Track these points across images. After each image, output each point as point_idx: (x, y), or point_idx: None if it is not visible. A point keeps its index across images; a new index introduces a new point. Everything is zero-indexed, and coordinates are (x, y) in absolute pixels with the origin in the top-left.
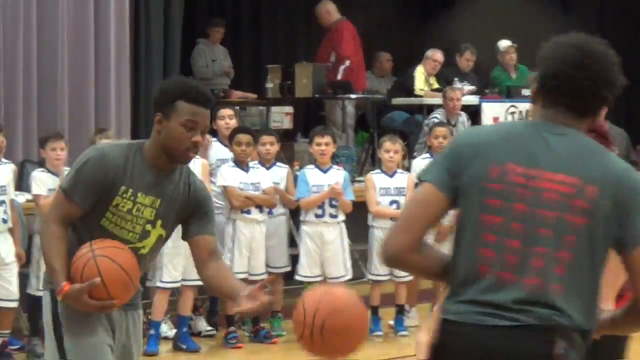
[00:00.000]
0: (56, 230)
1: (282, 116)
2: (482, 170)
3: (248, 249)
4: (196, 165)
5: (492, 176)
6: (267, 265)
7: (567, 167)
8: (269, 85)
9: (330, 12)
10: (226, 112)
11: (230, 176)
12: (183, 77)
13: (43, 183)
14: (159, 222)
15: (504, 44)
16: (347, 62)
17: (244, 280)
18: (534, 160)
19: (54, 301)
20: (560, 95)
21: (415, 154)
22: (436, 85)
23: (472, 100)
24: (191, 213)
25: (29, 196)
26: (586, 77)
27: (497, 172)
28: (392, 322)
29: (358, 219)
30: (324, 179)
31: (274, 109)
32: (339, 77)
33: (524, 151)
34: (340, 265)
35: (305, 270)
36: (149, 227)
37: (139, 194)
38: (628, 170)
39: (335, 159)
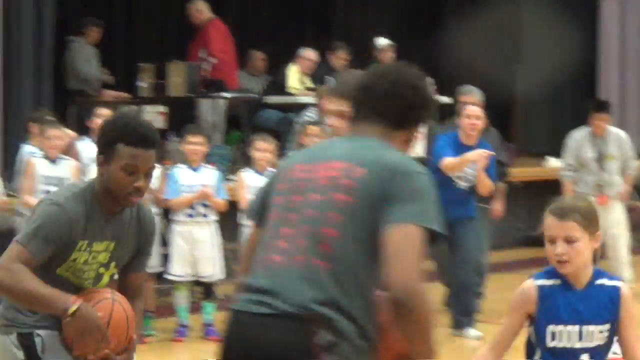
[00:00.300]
0: (19, 267)
1: (155, 115)
2: (275, 177)
3: None
4: (67, 168)
5: (280, 178)
6: None
7: (343, 157)
8: (142, 84)
9: (200, 10)
10: (103, 111)
11: None
12: (125, 116)
13: None
14: (113, 264)
15: (381, 42)
16: (216, 60)
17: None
18: (317, 158)
19: (27, 346)
20: (367, 105)
21: (287, 152)
22: (310, 84)
23: None
24: (138, 248)
25: None
26: (388, 81)
27: (284, 174)
28: None
29: (231, 217)
30: (196, 178)
31: (147, 108)
32: (208, 75)
33: (313, 153)
34: (212, 265)
35: (176, 269)
36: (102, 270)
37: (94, 244)
38: (404, 162)
39: (208, 158)
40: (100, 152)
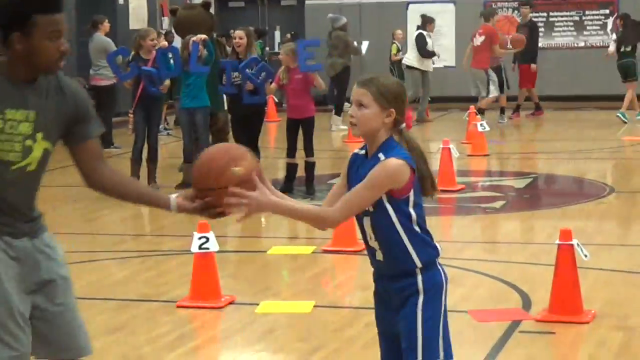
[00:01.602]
0: None
1: None
2: None
3: None
4: None
5: None
6: None
7: None
8: None
9: None
10: None
11: None
12: None
13: None
14: (40, 135)
15: None
16: None
17: None
18: None
19: None
20: None
21: None
22: None
23: None
24: (72, 118)
25: None
26: None
27: None
28: None
29: None
30: None
31: None
32: None
33: None
34: None
35: None
36: (29, 142)
37: (6, 111)
38: None
39: None
40: (11, 30)
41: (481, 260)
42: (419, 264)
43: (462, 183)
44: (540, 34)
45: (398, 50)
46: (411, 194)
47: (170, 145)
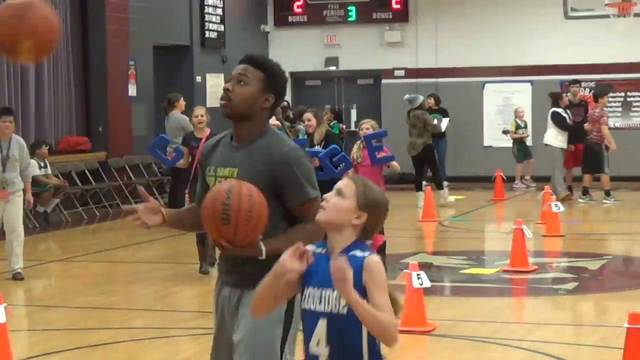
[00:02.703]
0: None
1: None
2: None
3: None
4: None
5: None
6: None
7: None
8: None
9: None
10: None
11: None
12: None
13: None
14: None
15: None
16: None
17: None
18: None
19: None
20: None
21: None
22: None
23: None
24: (270, 180)
25: None
26: None
27: None
28: None
29: None
30: None
31: None
32: None
33: None
34: None
35: None
36: None
37: (218, 169)
38: None
39: None
40: None
41: (551, 343)
42: None
43: (535, 264)
44: (618, 114)
45: (518, 128)
46: None
47: None
